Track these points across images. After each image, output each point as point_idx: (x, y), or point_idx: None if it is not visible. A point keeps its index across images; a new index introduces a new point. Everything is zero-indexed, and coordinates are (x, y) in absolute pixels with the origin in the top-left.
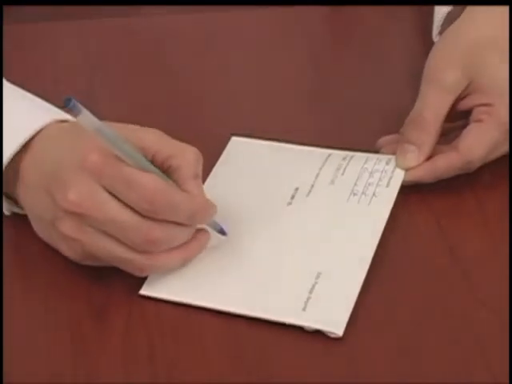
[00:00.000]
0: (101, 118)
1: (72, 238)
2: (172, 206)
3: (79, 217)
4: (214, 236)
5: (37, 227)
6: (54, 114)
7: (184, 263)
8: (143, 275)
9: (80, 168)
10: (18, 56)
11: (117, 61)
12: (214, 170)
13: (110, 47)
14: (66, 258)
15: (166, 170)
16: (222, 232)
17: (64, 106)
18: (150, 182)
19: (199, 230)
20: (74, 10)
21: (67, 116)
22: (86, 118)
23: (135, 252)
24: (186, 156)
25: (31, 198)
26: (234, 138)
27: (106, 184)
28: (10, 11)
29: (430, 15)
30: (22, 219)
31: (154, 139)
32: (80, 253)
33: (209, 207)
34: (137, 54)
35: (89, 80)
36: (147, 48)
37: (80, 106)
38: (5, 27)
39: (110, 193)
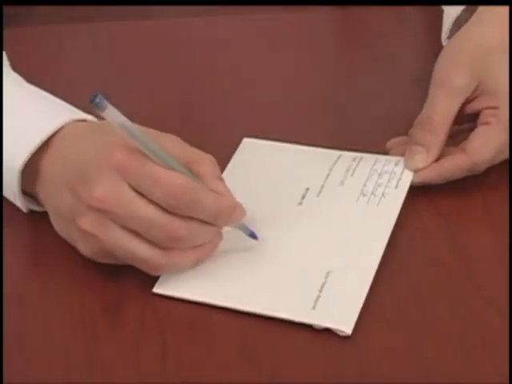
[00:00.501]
0: None
1: (91, 234)
2: (197, 203)
3: (102, 213)
4: (244, 240)
5: (56, 224)
6: (73, 113)
7: (197, 263)
8: (158, 274)
9: (105, 166)
10: (34, 58)
11: (130, 63)
12: (226, 170)
13: (123, 50)
14: (81, 256)
15: None
16: (253, 236)
17: (90, 101)
18: (176, 178)
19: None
20: (87, 12)
21: (85, 115)
22: (113, 113)
23: (152, 250)
24: (206, 162)
25: (52, 194)
26: (245, 140)
27: (131, 181)
28: (24, 14)
29: (439, 18)
30: (39, 217)
31: (173, 145)
32: (97, 250)
33: (235, 208)
34: (150, 56)
35: (103, 82)
36: (160, 50)
37: (106, 102)
38: (20, 30)
39: (135, 190)
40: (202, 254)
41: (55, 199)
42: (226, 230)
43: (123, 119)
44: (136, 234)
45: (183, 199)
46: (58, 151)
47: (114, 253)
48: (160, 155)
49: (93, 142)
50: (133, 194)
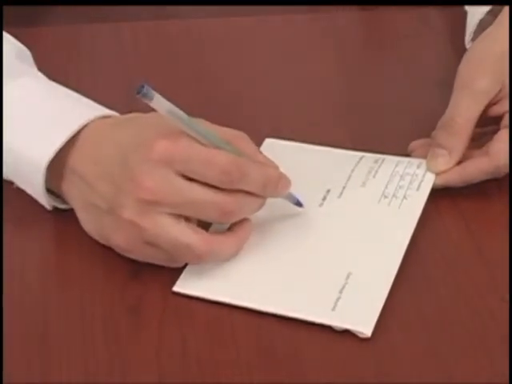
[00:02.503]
0: None
1: (134, 223)
2: (247, 176)
3: (151, 204)
4: (291, 208)
5: (86, 219)
6: (96, 110)
7: (237, 251)
8: (199, 262)
9: (148, 159)
10: (57, 57)
11: (153, 63)
12: None
13: (147, 50)
14: (102, 255)
15: None
16: (299, 204)
17: (137, 93)
18: (225, 156)
19: (242, 220)
20: (109, 12)
21: (108, 112)
22: (160, 102)
23: (196, 236)
24: (244, 138)
25: (84, 189)
26: (267, 140)
27: (179, 167)
28: (47, 13)
29: (462, 20)
30: (61, 215)
31: (208, 126)
32: (136, 240)
33: (282, 178)
34: (170, 56)
35: (126, 82)
36: (181, 51)
37: (153, 92)
38: (44, 29)
39: (183, 176)
40: (240, 241)
41: (87, 193)
42: (270, 202)
43: (170, 106)
44: (180, 220)
45: (235, 174)
46: (87, 148)
47: (155, 241)
48: (208, 135)
49: (125, 137)
50: (181, 180)
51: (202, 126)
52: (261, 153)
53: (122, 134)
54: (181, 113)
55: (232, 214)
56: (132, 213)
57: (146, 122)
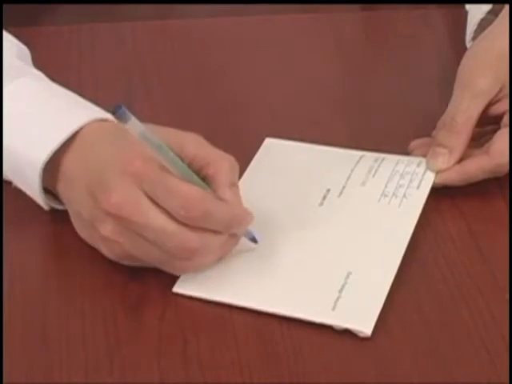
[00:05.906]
0: (139, 118)
1: (112, 240)
2: (209, 215)
3: (119, 220)
4: (247, 242)
5: (76, 224)
6: (94, 112)
7: (219, 260)
8: (184, 274)
9: (124, 172)
10: (58, 57)
11: (153, 62)
12: (248, 170)
13: (147, 49)
14: (101, 256)
15: (203, 178)
16: (254, 240)
17: (113, 113)
18: (190, 190)
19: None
20: (111, 11)
21: (107, 115)
22: (134, 125)
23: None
24: (222, 164)
25: (73, 197)
26: (267, 140)
27: (148, 189)
28: (47, 13)
29: (463, 20)
30: (60, 215)
31: (193, 145)
32: (120, 254)
33: (246, 216)
34: (173, 55)
35: (127, 81)
36: (183, 50)
37: (129, 114)
38: (45, 29)
39: (151, 199)
40: (222, 252)
41: (76, 202)
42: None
43: (144, 130)
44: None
45: (195, 212)
46: (80, 151)
47: (137, 257)
48: (178, 166)
49: (113, 148)
50: (148, 202)
51: (173, 155)
52: (233, 186)
53: (108, 145)
54: (155, 139)
55: (195, 252)
56: (109, 230)
57: (132, 136)
